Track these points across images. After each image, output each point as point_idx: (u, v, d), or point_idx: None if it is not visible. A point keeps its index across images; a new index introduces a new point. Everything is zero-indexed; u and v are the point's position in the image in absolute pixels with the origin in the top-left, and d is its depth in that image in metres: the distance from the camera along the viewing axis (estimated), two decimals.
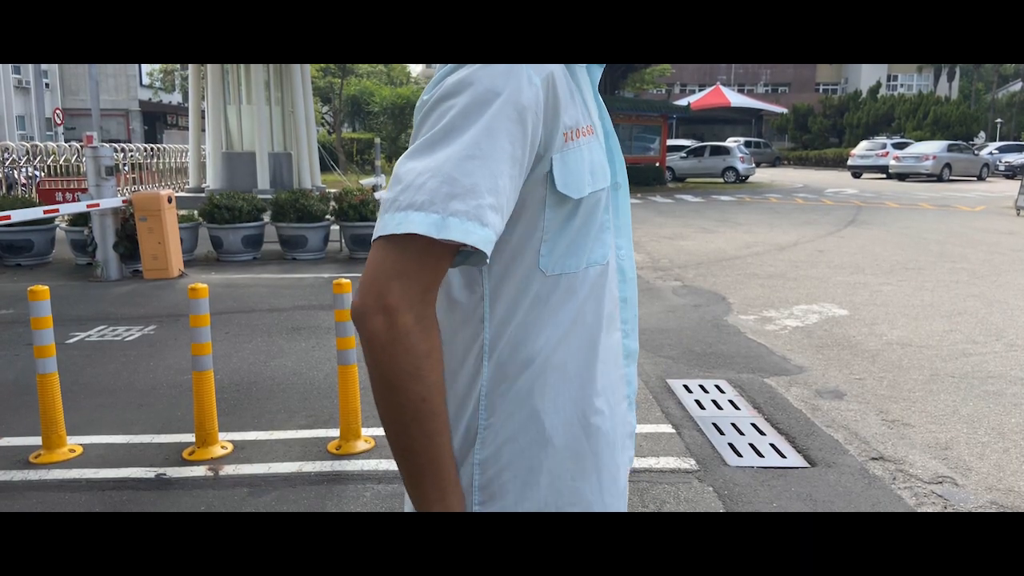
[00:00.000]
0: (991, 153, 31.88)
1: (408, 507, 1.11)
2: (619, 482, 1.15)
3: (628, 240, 1.16)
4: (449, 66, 0.96)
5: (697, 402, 4.50)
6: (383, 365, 0.91)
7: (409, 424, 0.94)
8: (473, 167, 0.89)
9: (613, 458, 1.12)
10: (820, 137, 43.59)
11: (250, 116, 16.21)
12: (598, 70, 1.11)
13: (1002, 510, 3.24)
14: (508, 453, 1.03)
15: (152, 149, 19.06)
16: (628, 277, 1.17)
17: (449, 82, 0.94)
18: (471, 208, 0.89)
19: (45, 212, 7.88)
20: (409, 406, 0.93)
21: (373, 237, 0.92)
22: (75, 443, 3.85)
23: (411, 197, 0.89)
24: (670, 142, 28.44)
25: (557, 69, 0.98)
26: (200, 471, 3.60)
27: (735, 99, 42.14)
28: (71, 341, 5.80)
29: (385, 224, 0.90)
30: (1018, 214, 15.03)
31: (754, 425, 4.16)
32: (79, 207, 8.24)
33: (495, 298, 1.02)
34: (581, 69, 1.06)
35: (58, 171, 15.61)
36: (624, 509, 1.17)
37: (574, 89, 1.03)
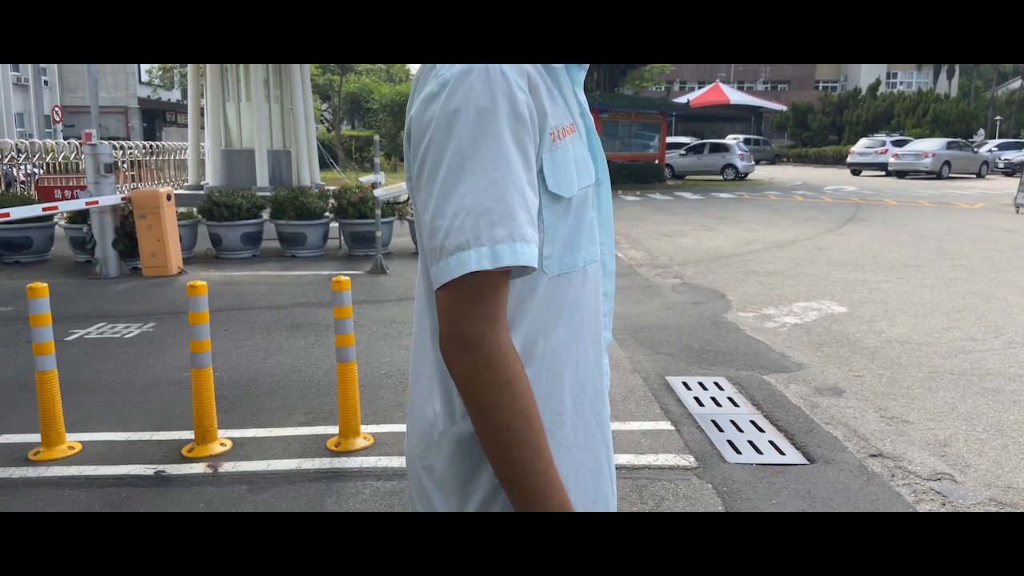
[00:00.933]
0: (990, 151, 31.87)
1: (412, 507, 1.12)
2: (613, 471, 1.18)
3: (610, 236, 1.19)
4: (433, 82, 0.96)
5: (696, 399, 4.50)
6: (468, 400, 0.95)
7: (500, 453, 0.96)
8: (500, 191, 0.92)
9: (608, 445, 1.15)
10: (819, 134, 43.54)
11: (249, 113, 16.21)
12: (580, 70, 1.12)
13: (1001, 506, 3.24)
14: None
15: (151, 147, 19.04)
16: (609, 271, 1.19)
17: (444, 110, 0.94)
18: (513, 230, 0.92)
19: (44, 209, 7.87)
20: (496, 436, 0.95)
21: (436, 286, 0.95)
22: (74, 440, 3.86)
23: (456, 240, 0.92)
24: (669, 139, 28.44)
25: (533, 71, 0.99)
26: (199, 468, 3.60)
27: (734, 96, 42.13)
28: (70, 338, 5.80)
29: (441, 272, 0.93)
30: (1017, 211, 15.03)
31: (753, 422, 4.16)
32: (78, 204, 8.23)
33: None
34: (560, 69, 1.06)
35: (57, 168, 15.59)
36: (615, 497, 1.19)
37: (553, 89, 1.04)
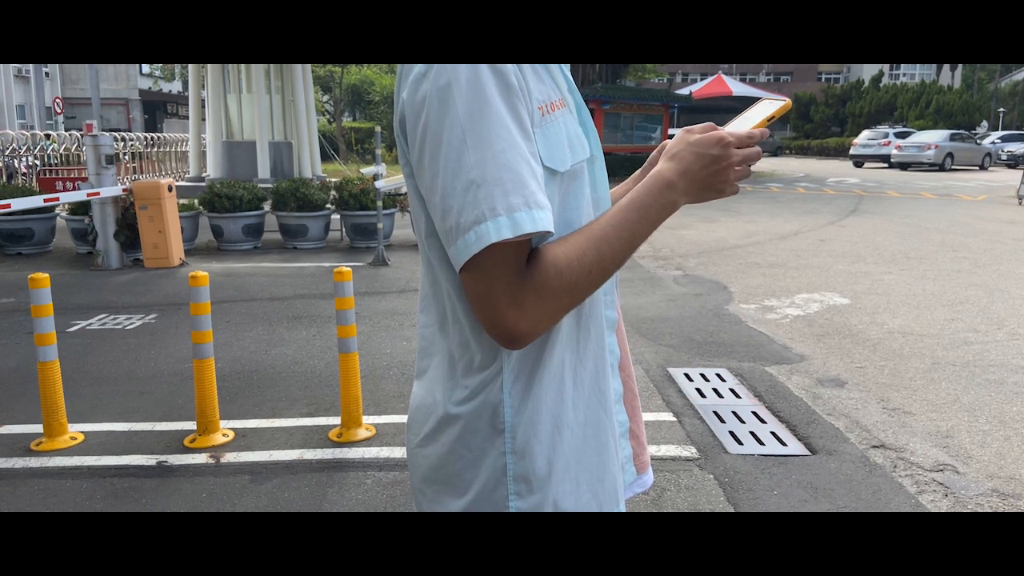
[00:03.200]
0: (993, 142, 31.79)
1: (415, 507, 1.11)
2: (623, 449, 1.17)
3: None
4: (420, 64, 0.95)
5: (698, 390, 4.49)
6: (556, 316, 0.96)
7: (621, 254, 0.99)
8: (507, 160, 0.90)
9: (613, 425, 1.14)
10: (822, 126, 43.44)
11: (250, 105, 16.18)
12: None
13: (1003, 498, 3.24)
14: (542, 439, 1.03)
15: (151, 138, 19.01)
16: None
17: (435, 86, 0.92)
18: (527, 197, 0.90)
19: (45, 201, 7.87)
20: (590, 279, 0.96)
21: (457, 268, 0.92)
22: (76, 431, 3.86)
23: (471, 214, 0.89)
24: (671, 131, 28.34)
25: None
26: (201, 458, 3.61)
27: (737, 88, 41.93)
28: (72, 329, 5.80)
29: (461, 252, 0.90)
30: (1020, 203, 14.99)
31: (755, 413, 4.15)
32: (79, 196, 8.23)
33: None
34: None
35: (59, 160, 15.58)
36: (625, 475, 1.18)
37: (538, 66, 1.02)
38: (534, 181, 0.91)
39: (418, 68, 0.95)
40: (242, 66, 16.28)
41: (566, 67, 1.12)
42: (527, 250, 0.93)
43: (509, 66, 0.93)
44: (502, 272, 0.91)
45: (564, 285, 0.93)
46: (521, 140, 0.92)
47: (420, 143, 0.95)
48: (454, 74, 0.91)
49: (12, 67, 30.23)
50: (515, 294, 0.91)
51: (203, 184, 12.12)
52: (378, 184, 8.73)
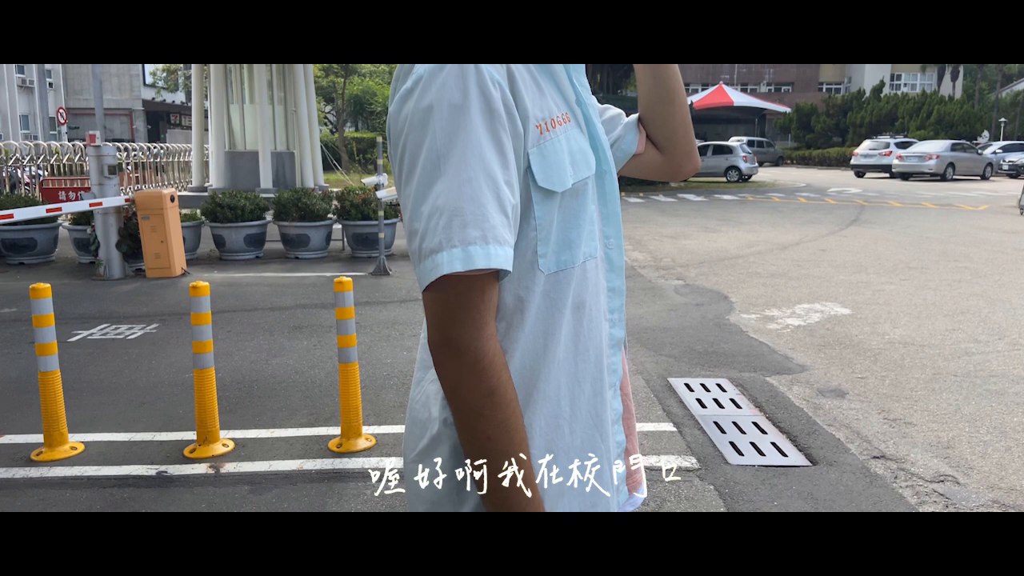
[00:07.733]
0: (995, 152, 31.77)
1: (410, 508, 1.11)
2: (618, 469, 1.16)
3: (617, 228, 1.13)
4: (408, 79, 0.95)
5: (699, 401, 4.49)
6: (452, 406, 0.94)
7: (479, 458, 0.95)
8: (472, 190, 0.89)
9: (609, 448, 1.13)
10: (823, 136, 43.44)
11: (253, 115, 16.24)
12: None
13: (1004, 509, 3.23)
14: (535, 464, 1.02)
15: (150, 148, 19.06)
16: (616, 266, 1.14)
17: (417, 107, 0.92)
18: (486, 232, 0.89)
19: (48, 211, 7.90)
20: (475, 445, 0.94)
21: (420, 289, 0.94)
22: (77, 441, 3.86)
23: (430, 242, 0.90)
24: None
25: (516, 64, 0.97)
26: (201, 469, 3.61)
27: (738, 98, 42.03)
28: (74, 339, 5.81)
29: (420, 276, 0.92)
30: (1021, 213, 14.98)
31: (755, 424, 4.15)
32: (82, 206, 8.25)
33: (500, 307, 1.00)
34: None
35: (61, 170, 15.62)
36: (619, 496, 1.18)
37: (540, 79, 1.01)
38: (498, 215, 0.91)
39: (406, 84, 0.95)
40: (245, 76, 16.35)
41: (581, 74, 1.09)
42: (486, 283, 0.92)
43: (496, 90, 0.92)
44: (461, 302, 0.91)
45: (482, 391, 0.92)
46: (497, 168, 0.91)
47: (399, 160, 0.96)
48: (438, 95, 0.91)
49: (16, 77, 30.36)
50: (463, 333, 0.91)
51: (205, 194, 12.16)
52: (380, 194, 8.75)
